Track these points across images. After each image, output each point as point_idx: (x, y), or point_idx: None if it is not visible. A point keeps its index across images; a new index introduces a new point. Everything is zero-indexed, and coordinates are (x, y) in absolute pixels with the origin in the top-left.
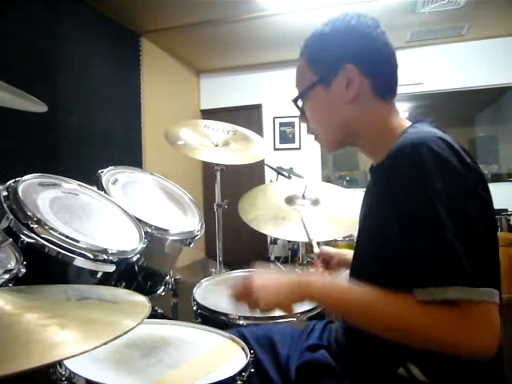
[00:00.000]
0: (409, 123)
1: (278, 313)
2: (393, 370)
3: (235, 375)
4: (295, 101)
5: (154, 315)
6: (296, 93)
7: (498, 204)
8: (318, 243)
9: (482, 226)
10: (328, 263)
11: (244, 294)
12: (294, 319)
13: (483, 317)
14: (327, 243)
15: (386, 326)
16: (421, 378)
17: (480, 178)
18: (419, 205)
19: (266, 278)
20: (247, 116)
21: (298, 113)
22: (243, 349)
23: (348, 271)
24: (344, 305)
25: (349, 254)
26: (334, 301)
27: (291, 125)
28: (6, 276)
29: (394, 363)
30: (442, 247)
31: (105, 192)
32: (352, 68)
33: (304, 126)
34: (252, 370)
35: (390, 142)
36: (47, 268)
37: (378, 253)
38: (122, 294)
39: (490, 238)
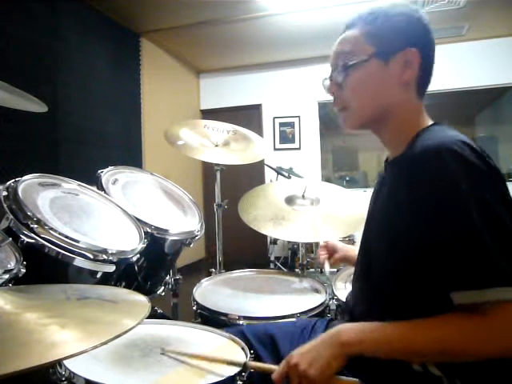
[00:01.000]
0: (429, 122)
1: (280, 313)
2: (407, 366)
3: (235, 375)
4: (345, 67)
5: (153, 315)
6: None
7: None
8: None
9: (511, 221)
10: (331, 255)
11: (289, 372)
12: (294, 319)
13: None
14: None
15: (433, 354)
16: (436, 373)
17: (502, 177)
18: (449, 209)
19: (302, 348)
20: (247, 116)
21: (327, 77)
22: (243, 349)
23: (350, 268)
24: (386, 342)
25: (353, 251)
26: (375, 340)
27: (291, 125)
28: (6, 276)
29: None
30: (477, 249)
31: (105, 192)
32: (415, 52)
33: (330, 97)
34: (252, 370)
35: (409, 135)
36: (47, 268)
37: (392, 250)
38: (122, 293)
39: None
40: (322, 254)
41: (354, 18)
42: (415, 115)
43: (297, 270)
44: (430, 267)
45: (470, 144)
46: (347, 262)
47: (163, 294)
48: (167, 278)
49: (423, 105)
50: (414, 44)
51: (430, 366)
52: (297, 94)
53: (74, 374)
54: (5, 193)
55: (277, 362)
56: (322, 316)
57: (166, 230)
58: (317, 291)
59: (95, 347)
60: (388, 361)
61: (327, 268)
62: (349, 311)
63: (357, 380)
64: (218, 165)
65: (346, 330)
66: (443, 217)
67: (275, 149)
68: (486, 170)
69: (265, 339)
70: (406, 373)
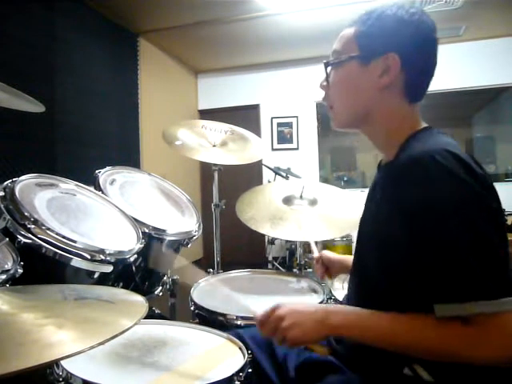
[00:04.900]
0: (422, 125)
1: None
2: (398, 370)
3: (232, 375)
4: (327, 64)
5: (151, 315)
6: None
7: None
8: (316, 243)
9: (494, 234)
10: (328, 268)
11: (271, 319)
12: None
13: (507, 326)
14: (325, 243)
15: (413, 350)
16: (426, 377)
17: (488, 187)
18: (429, 220)
19: (295, 305)
20: (245, 116)
21: (323, 76)
22: (240, 349)
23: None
24: (373, 336)
25: (350, 259)
26: (360, 329)
27: (289, 125)
28: (3, 276)
29: (399, 364)
30: (458, 263)
31: (102, 192)
32: (396, 58)
33: (322, 94)
34: (249, 370)
35: (398, 140)
36: (44, 268)
37: (381, 252)
38: (120, 293)
39: (502, 244)
40: (320, 271)
41: (358, 15)
42: (402, 120)
43: (295, 270)
44: (415, 277)
45: (454, 153)
46: (345, 272)
47: (161, 294)
48: (165, 278)
49: (415, 108)
50: (398, 49)
51: (420, 370)
52: (295, 94)
53: (71, 374)
54: (2, 193)
55: (274, 365)
56: None
57: (164, 231)
58: (314, 291)
59: (92, 347)
60: (377, 365)
61: (329, 283)
62: None
63: (326, 349)
64: (215, 165)
65: (337, 313)
66: (424, 229)
67: (273, 149)
68: (468, 180)
69: (262, 343)
70: (395, 377)
